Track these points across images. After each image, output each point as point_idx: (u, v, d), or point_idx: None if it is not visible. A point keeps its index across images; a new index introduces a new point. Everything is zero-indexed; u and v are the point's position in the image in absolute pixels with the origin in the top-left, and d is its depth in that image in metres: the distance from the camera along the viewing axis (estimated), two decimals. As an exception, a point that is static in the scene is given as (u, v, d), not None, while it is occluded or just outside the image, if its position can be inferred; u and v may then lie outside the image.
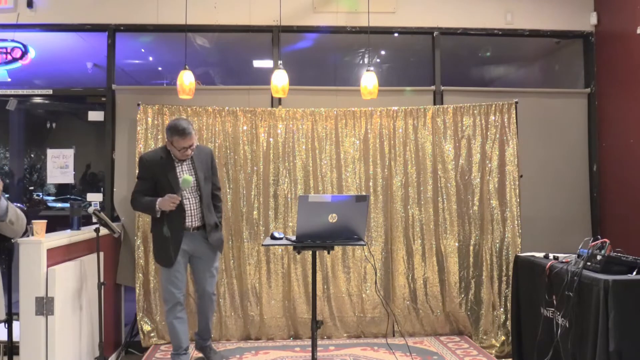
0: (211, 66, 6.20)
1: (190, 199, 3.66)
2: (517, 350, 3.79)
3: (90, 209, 3.62)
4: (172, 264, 3.61)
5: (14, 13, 4.63)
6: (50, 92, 4.85)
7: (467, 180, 4.57)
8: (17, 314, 3.18)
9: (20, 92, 4.81)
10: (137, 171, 3.90)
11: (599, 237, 3.20)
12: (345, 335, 4.52)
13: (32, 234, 3.24)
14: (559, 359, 3.12)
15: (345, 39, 5.10)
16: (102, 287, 3.64)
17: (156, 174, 3.65)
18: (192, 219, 3.67)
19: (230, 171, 4.49)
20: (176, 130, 3.54)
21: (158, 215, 3.57)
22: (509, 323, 4.31)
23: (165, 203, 3.51)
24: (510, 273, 4.21)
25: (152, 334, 4.39)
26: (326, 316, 4.50)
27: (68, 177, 4.76)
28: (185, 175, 3.57)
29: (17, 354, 3.15)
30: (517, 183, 4.53)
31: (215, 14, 4.74)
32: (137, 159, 4.37)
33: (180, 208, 3.59)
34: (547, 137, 4.87)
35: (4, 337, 3.14)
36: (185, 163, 3.69)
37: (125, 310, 4.64)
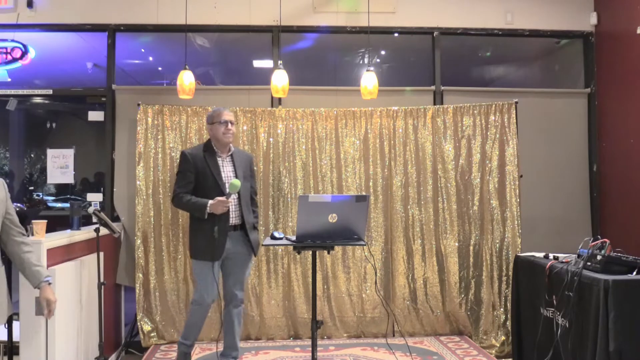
0: (211, 66, 6.20)
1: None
2: (517, 350, 3.78)
3: (90, 209, 3.63)
4: (219, 258, 3.53)
5: (14, 13, 4.63)
6: (50, 92, 4.85)
7: (467, 180, 4.57)
8: (17, 314, 3.18)
9: (20, 92, 4.81)
10: (171, 167, 3.99)
11: (599, 237, 3.20)
12: (345, 335, 4.52)
13: (32, 234, 3.24)
14: (559, 359, 3.12)
15: (345, 39, 5.10)
16: (102, 287, 3.65)
17: (199, 169, 3.59)
18: (231, 216, 3.59)
19: (230, 171, 4.49)
20: (214, 111, 3.72)
21: (206, 217, 3.46)
22: (509, 323, 4.31)
23: (217, 206, 3.42)
24: (510, 273, 4.21)
25: (152, 334, 4.39)
26: (326, 316, 4.49)
27: (68, 177, 4.76)
28: (233, 179, 3.47)
29: (17, 354, 3.15)
30: (517, 183, 4.52)
31: (215, 14, 4.74)
32: (136, 159, 4.39)
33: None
34: (547, 138, 4.87)
35: (4, 337, 3.15)
36: (227, 159, 3.69)
37: (125, 310, 4.64)
